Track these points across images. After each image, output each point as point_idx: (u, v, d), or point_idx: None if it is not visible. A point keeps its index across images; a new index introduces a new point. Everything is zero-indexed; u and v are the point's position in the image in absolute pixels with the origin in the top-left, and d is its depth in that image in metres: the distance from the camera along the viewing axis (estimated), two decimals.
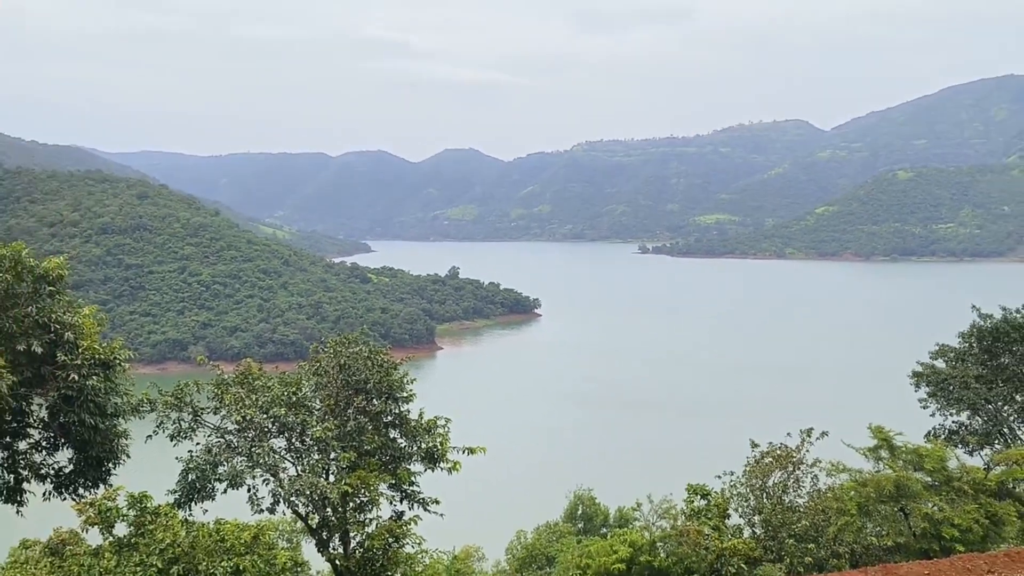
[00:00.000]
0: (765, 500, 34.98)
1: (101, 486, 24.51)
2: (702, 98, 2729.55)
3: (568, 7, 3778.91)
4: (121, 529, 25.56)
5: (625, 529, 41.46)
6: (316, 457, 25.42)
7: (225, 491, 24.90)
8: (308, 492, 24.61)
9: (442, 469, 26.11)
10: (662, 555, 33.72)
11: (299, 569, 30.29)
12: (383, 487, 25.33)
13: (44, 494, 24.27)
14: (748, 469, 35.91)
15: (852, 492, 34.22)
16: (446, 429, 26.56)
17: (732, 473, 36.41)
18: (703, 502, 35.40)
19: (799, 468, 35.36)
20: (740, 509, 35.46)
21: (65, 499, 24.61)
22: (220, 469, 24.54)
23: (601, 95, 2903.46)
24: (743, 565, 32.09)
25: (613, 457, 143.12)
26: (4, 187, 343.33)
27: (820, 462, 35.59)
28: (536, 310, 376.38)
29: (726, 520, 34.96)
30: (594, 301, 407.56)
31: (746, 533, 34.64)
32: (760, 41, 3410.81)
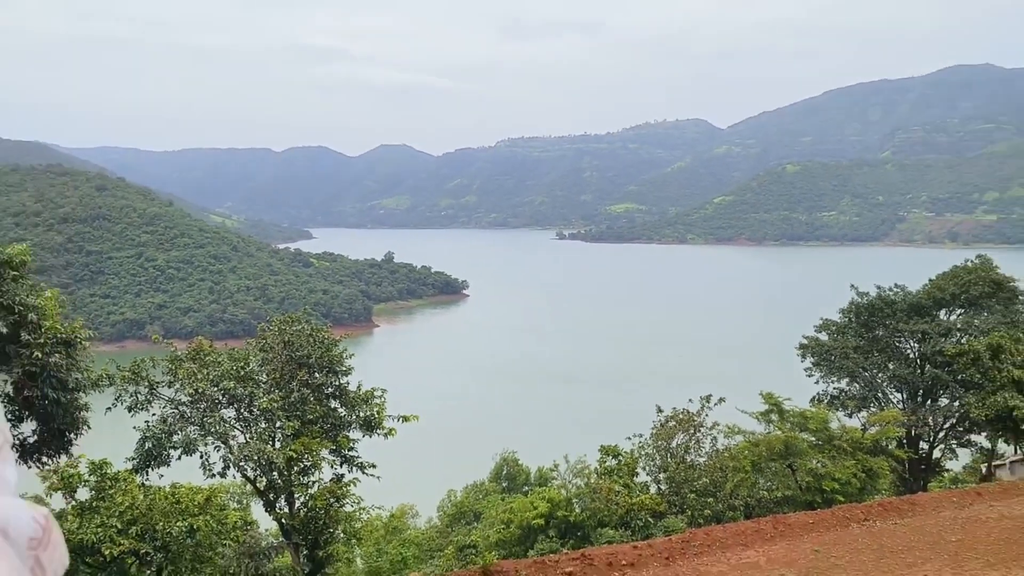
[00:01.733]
0: (669, 460, 35.47)
1: (63, 455, 24.16)
2: (613, 99, 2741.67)
3: (493, 18, 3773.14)
4: (83, 494, 25.20)
5: (544, 487, 41.74)
6: (263, 426, 25.26)
7: (179, 458, 24.65)
8: (256, 458, 24.45)
9: (379, 435, 26.08)
10: (577, 510, 33.99)
11: (248, 527, 30.08)
12: (325, 452, 25.25)
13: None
14: (654, 432, 36.37)
15: (746, 451, 34.82)
16: (382, 399, 26.52)
17: (640, 436, 36.85)
18: (614, 462, 35.76)
19: (699, 431, 35.92)
20: (647, 468, 35.90)
21: (30, 467, 24.21)
22: (175, 437, 24.29)
23: (523, 97, 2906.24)
24: (650, 518, 32.50)
25: (534, 423, 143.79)
26: None
27: (718, 425, 36.15)
28: (464, 291, 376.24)
29: (635, 478, 35.36)
30: (517, 282, 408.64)
31: (652, 489, 35.07)
32: (664, 48, 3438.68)
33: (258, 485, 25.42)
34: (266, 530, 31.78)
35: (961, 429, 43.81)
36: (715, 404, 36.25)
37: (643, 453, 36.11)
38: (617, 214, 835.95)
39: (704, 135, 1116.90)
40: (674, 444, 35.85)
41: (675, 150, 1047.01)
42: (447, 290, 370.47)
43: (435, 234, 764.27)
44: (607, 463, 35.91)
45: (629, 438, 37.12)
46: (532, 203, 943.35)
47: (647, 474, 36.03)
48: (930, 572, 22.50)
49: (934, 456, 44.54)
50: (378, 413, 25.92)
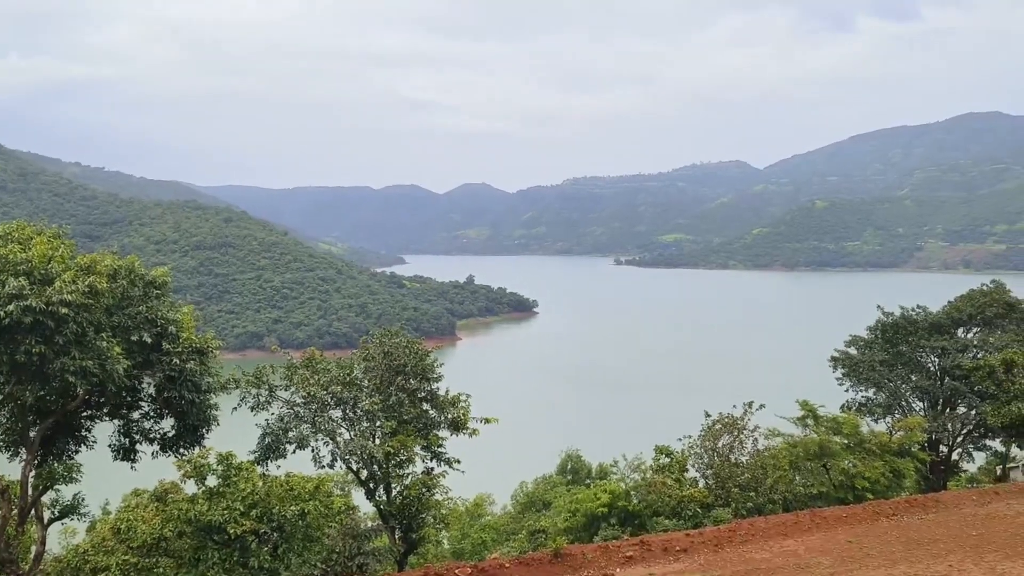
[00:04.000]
0: (716, 458, 34.90)
1: (196, 447, 24.44)
2: (663, 143, 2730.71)
3: (560, 73, 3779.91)
4: (212, 481, 25.47)
5: (605, 481, 41.21)
6: (365, 425, 25.30)
7: (294, 451, 24.79)
8: (359, 452, 24.49)
9: (464, 435, 25.98)
10: (635, 501, 33.58)
11: (351, 512, 30.16)
12: (417, 448, 25.21)
13: (152, 453, 24.20)
14: (702, 434, 35.82)
15: (784, 452, 34.17)
16: (467, 403, 26.43)
17: (690, 437, 36.34)
18: (667, 459, 35.33)
19: (743, 433, 35.29)
20: (696, 465, 35.39)
21: (168, 457, 24.54)
22: (290, 434, 24.43)
23: (585, 141, 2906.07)
24: (698, 509, 31.97)
25: (595, 424, 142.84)
26: (121, 213, 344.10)
27: (759, 428, 35.50)
28: (535, 309, 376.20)
29: (685, 474, 34.87)
30: (580, 302, 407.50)
31: (701, 484, 34.53)
32: (707, 98, 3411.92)
33: (360, 476, 25.45)
34: (365, 514, 31.85)
35: (977, 435, 42.63)
36: (756, 410, 35.60)
37: (692, 452, 35.63)
38: (667, 243, 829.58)
39: (743, 174, 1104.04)
40: (720, 444, 35.26)
41: (718, 188, 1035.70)
42: (520, 308, 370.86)
43: (510, 260, 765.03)
44: (661, 460, 35.49)
45: (680, 439, 36.65)
46: (593, 233, 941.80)
47: (696, 470, 35.51)
48: (953, 562, 21.74)
49: (953, 458, 43.26)
50: (463, 415, 25.83)
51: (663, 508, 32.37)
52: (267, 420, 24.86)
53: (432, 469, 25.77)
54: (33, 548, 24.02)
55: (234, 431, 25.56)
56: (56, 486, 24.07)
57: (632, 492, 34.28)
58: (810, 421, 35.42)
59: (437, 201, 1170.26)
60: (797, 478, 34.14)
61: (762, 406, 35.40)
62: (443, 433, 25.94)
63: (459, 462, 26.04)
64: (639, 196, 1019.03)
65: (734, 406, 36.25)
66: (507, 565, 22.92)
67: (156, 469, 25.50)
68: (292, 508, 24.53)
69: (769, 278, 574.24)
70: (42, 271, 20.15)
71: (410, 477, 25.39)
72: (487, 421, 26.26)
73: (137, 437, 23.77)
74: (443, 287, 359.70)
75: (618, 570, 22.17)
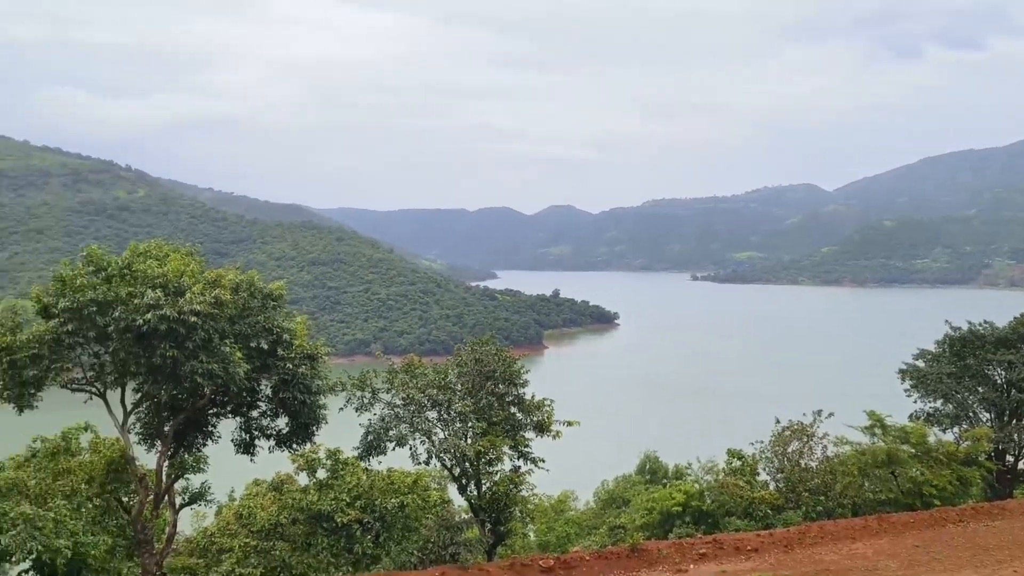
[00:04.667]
0: (786, 463, 33.95)
1: (308, 443, 24.87)
2: (736, 166, 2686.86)
3: (638, 103, 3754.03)
4: (321, 474, 25.89)
5: (680, 481, 40.54)
6: (458, 425, 25.39)
7: (394, 448, 25.01)
8: (452, 450, 24.59)
9: (548, 436, 25.85)
10: (708, 501, 32.93)
11: (445, 505, 30.31)
12: (505, 448, 25.16)
13: (269, 448, 24.70)
14: (773, 439, 34.91)
15: (853, 459, 33.08)
16: (550, 407, 26.28)
17: (761, 442, 35.45)
18: (739, 463, 34.53)
19: (812, 440, 34.26)
20: (767, 469, 34.48)
21: (283, 452, 25.03)
22: (391, 433, 24.65)
23: (663, 164, 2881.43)
24: (769, 511, 31.17)
25: (672, 428, 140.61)
26: (247, 232, 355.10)
27: (828, 435, 34.44)
28: (616, 321, 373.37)
29: (756, 477, 34.02)
30: (659, 314, 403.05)
31: (771, 487, 33.62)
32: (779, 125, 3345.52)
33: (453, 472, 25.53)
34: (460, 507, 31.94)
35: None
36: (825, 418, 34.55)
37: (763, 456, 34.73)
38: (740, 260, 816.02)
39: (813, 196, 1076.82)
40: (790, 450, 34.30)
41: (788, 208, 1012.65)
42: (602, 320, 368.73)
43: (592, 275, 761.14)
44: (733, 463, 34.73)
45: (752, 443, 35.81)
46: (671, 250, 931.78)
47: (766, 474, 34.60)
48: (1018, 568, 20.75)
49: (1019, 468, 41.23)
50: (547, 418, 25.69)
51: (735, 509, 31.66)
52: (370, 420, 25.14)
53: (519, 467, 25.68)
54: (166, 530, 24.75)
55: (341, 429, 25.96)
56: (186, 475, 24.79)
57: (706, 493, 33.64)
58: (878, 430, 34.18)
59: (526, 221, 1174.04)
60: (866, 484, 32.97)
61: (831, 415, 34.33)
62: (529, 434, 25.82)
63: (544, 461, 25.89)
64: (714, 216, 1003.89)
65: (804, 414, 35.26)
66: (587, 558, 22.70)
67: (273, 462, 26.07)
68: (392, 500, 24.79)
69: (838, 293, 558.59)
70: (175, 284, 20.84)
71: (499, 474, 25.35)
72: (569, 424, 26.06)
73: (256, 433, 24.33)
74: (531, 300, 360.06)
75: (691, 566, 21.74)
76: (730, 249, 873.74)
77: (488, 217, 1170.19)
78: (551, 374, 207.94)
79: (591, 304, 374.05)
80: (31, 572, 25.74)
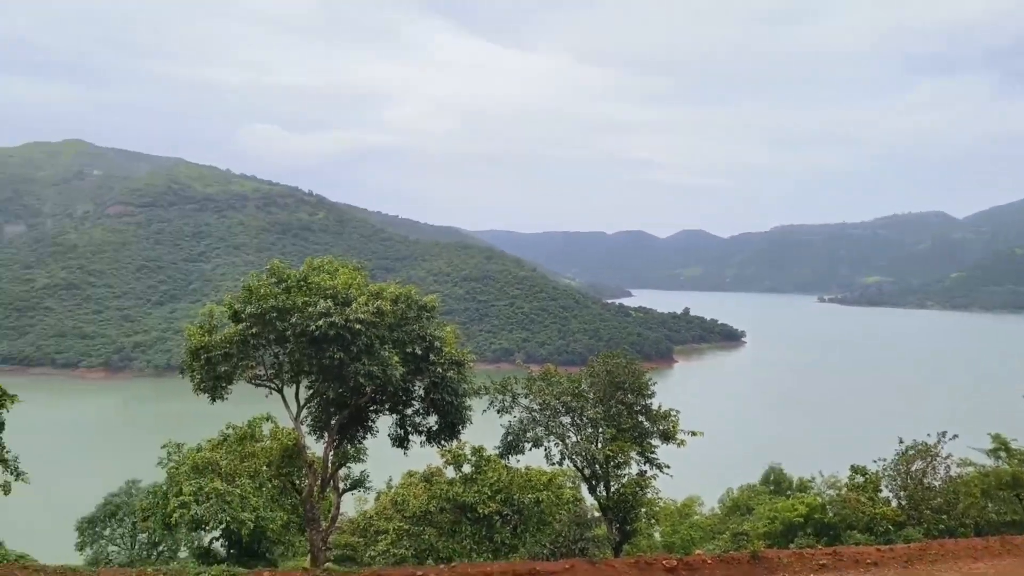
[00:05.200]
0: (909, 481, 31.86)
1: (454, 440, 25.31)
2: (864, 193, 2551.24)
3: (767, 134, 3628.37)
4: (466, 468, 26.28)
5: (803, 493, 38.74)
6: (589, 430, 25.24)
7: (530, 448, 25.10)
8: (583, 453, 24.46)
9: (673, 444, 25.29)
10: (830, 514, 31.30)
11: (577, 503, 30.15)
12: (633, 453, 24.80)
13: (420, 443, 25.29)
14: (896, 457, 32.85)
15: (977, 480, 30.76)
16: (676, 417, 25.73)
17: (884, 459, 33.43)
18: (861, 479, 32.68)
19: (936, 459, 32.02)
20: (889, 486, 32.47)
21: (432, 447, 25.56)
22: (527, 434, 24.77)
23: (791, 192, 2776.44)
24: (890, 526, 29.32)
25: (796, 443, 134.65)
26: (408, 251, 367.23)
27: (952, 456, 32.11)
28: (743, 339, 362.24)
29: (878, 493, 32.09)
30: (785, 334, 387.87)
31: (893, 503, 31.63)
32: (909, 154, 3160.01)
33: (584, 473, 25.37)
34: (589, 505, 31.70)
35: None
36: (949, 439, 32.22)
37: (886, 473, 32.73)
38: (868, 284, 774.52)
39: (943, 223, 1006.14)
40: (913, 468, 32.16)
41: (917, 235, 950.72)
42: (730, 337, 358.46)
43: (721, 296, 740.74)
44: (855, 479, 32.92)
45: (875, 461, 33.80)
46: (799, 274, 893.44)
47: (889, 490, 32.56)
48: None
49: None
50: (673, 427, 25.16)
51: (856, 523, 29.93)
52: (510, 422, 25.35)
53: (645, 472, 25.26)
54: (331, 511, 25.73)
55: (483, 429, 26.29)
56: (349, 464, 25.72)
57: (828, 506, 32.00)
58: (1003, 453, 31.66)
59: (659, 244, 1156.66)
60: (989, 505, 30.55)
61: (955, 436, 32.01)
62: (655, 441, 25.36)
63: (669, 467, 25.35)
64: (841, 242, 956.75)
65: (928, 434, 33.04)
66: (709, 561, 22.01)
67: (424, 456, 26.66)
68: (529, 496, 24.86)
69: (966, 319, 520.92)
70: (344, 295, 21.73)
71: (626, 477, 25.02)
72: (694, 434, 25.43)
73: (409, 429, 24.96)
74: (663, 317, 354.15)
75: None
76: (857, 273, 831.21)
77: (624, 239, 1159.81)
78: (680, 386, 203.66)
79: (719, 322, 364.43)
80: (221, 539, 27.40)
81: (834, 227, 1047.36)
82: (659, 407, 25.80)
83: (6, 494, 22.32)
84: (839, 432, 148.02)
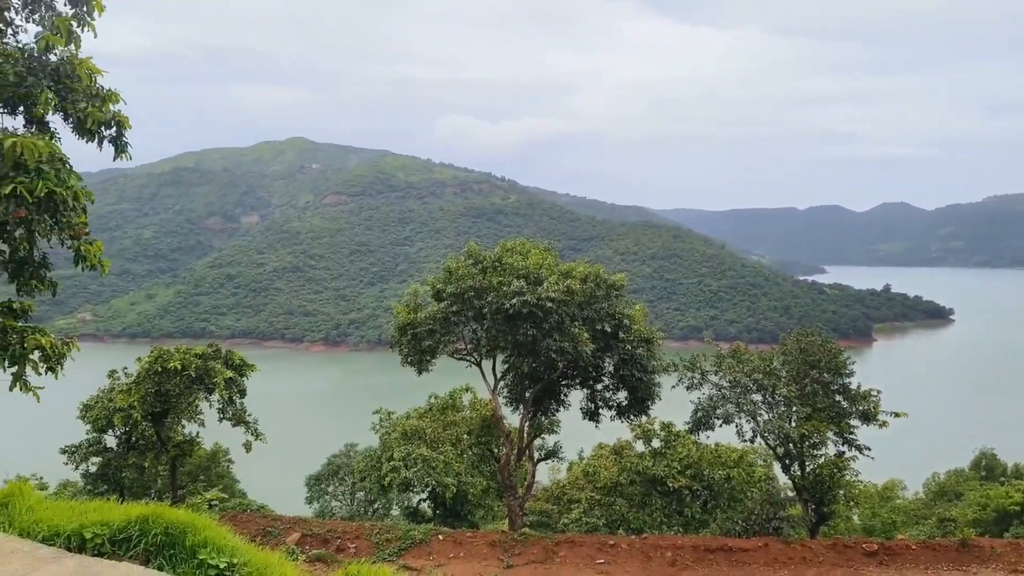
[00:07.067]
0: None
1: (644, 415, 25.18)
2: None
3: (982, 100, 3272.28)
4: (655, 443, 26.09)
5: (1020, 481, 35.10)
6: (783, 409, 24.20)
7: (721, 425, 24.47)
8: (776, 431, 23.51)
9: (874, 426, 23.67)
10: None
11: (770, 482, 29.09)
12: (830, 434, 23.49)
13: (610, 417, 25.38)
14: None
15: None
16: (877, 397, 24.04)
17: None
18: None
19: None
20: None
21: (622, 422, 25.58)
22: (717, 411, 24.15)
23: (1008, 160, 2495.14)
24: None
25: (1011, 427, 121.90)
26: (596, 231, 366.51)
27: None
28: (951, 316, 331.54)
29: None
30: (1000, 311, 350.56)
31: None
32: None
33: (777, 451, 24.38)
34: (783, 484, 30.47)
35: None
36: None
37: None
38: None
39: None
40: None
41: None
42: (935, 315, 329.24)
43: (926, 271, 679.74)
44: None
45: None
46: (1015, 247, 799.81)
47: None
48: None
49: None
50: (874, 408, 23.51)
51: None
52: (699, 398, 24.82)
53: (843, 452, 23.84)
54: (526, 479, 26.47)
55: (672, 405, 25.93)
56: (543, 435, 26.33)
57: None
58: None
59: (856, 219, 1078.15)
60: None
61: None
62: (854, 422, 23.84)
63: (869, 449, 23.77)
64: None
65: None
66: (913, 547, 20.53)
67: (614, 429, 26.74)
68: (720, 472, 24.36)
69: None
70: (535, 275, 22.19)
71: (823, 458, 23.75)
72: (896, 415, 23.65)
73: (600, 403, 25.11)
74: (860, 294, 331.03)
75: None
76: None
77: (817, 215, 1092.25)
78: (880, 366, 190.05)
79: (924, 299, 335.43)
80: (427, 500, 29.04)
81: None
82: (859, 387, 24.22)
83: (248, 452, 24.93)
84: None
